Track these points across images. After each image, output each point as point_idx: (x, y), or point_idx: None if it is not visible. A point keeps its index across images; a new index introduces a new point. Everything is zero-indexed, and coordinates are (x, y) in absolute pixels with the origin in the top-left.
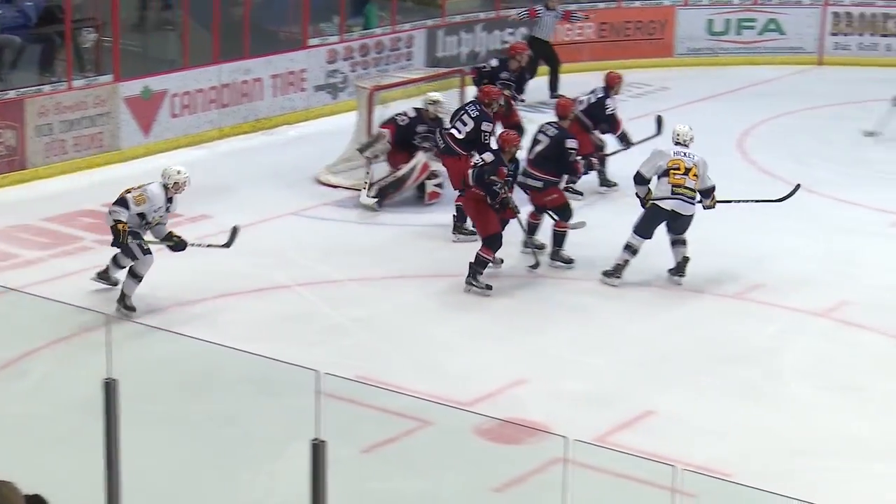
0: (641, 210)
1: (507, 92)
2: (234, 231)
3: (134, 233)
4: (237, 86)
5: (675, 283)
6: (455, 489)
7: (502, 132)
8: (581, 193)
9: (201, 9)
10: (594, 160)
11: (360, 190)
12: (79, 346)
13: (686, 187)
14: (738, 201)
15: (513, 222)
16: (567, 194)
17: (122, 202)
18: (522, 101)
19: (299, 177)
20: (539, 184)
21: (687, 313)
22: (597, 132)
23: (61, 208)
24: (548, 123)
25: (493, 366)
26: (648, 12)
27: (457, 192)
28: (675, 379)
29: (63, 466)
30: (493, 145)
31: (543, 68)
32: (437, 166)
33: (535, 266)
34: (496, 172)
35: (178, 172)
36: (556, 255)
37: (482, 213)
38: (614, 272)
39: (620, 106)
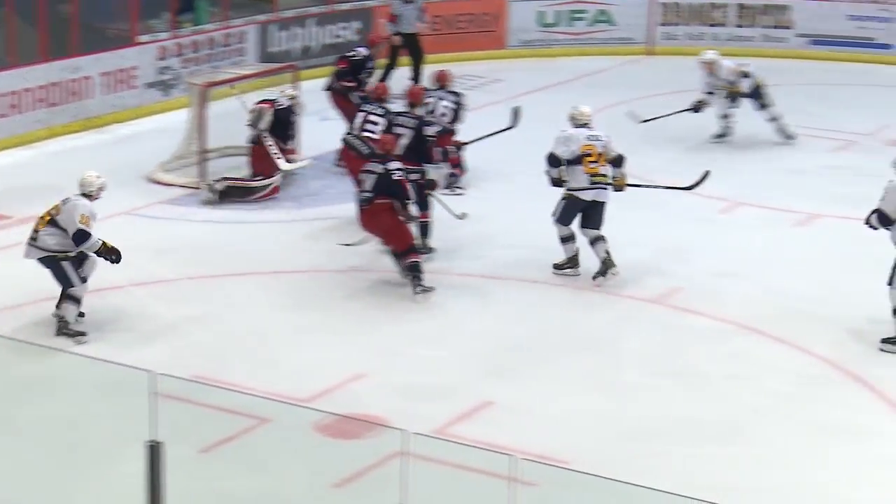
0: (558, 196)
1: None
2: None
3: (73, 258)
4: (66, 84)
5: (602, 284)
6: (296, 486)
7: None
8: (462, 188)
9: (26, 5)
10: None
11: (194, 188)
12: None
13: (601, 174)
14: (648, 186)
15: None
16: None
17: (82, 233)
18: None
19: (132, 175)
20: (416, 176)
21: (523, 304)
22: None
23: None
24: (401, 115)
25: (330, 361)
26: (480, 4)
27: None
28: (513, 369)
29: None
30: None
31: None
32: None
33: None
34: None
35: (98, 177)
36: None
37: (396, 226)
38: (570, 264)
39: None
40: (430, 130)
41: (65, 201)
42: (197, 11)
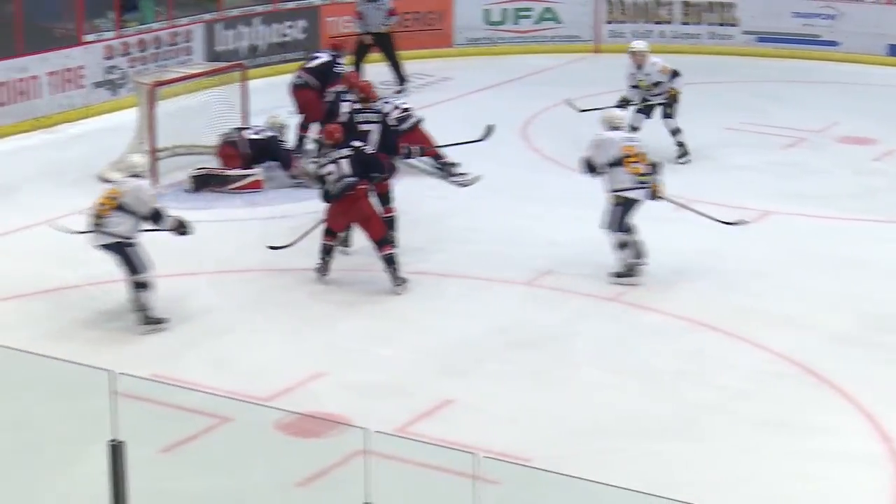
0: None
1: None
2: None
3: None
4: (13, 84)
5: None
6: (258, 485)
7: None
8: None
9: None
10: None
11: None
12: None
13: (644, 174)
14: (687, 208)
15: None
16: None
17: (157, 213)
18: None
19: (82, 175)
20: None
21: (478, 302)
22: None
23: None
24: (358, 112)
25: (288, 360)
26: (426, 2)
27: None
28: (470, 367)
29: None
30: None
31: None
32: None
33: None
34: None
35: (142, 157)
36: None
37: (374, 214)
38: (629, 273)
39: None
40: (392, 121)
41: (120, 185)
42: (142, 10)
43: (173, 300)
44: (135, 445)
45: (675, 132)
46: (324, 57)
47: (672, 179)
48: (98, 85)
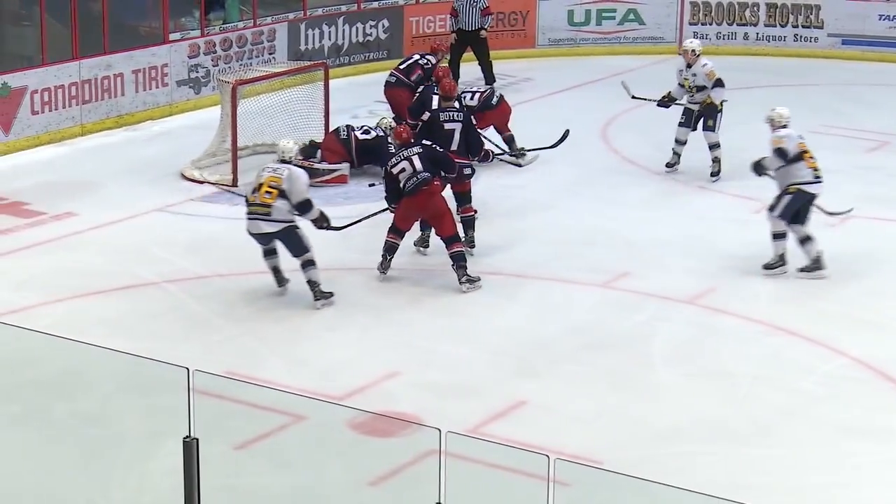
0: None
1: None
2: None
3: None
4: (98, 81)
5: (819, 277)
6: (330, 484)
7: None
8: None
9: (58, 4)
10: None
11: (225, 185)
12: None
13: (818, 168)
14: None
15: None
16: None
17: (308, 202)
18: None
19: (164, 172)
20: (468, 170)
21: (554, 302)
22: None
23: None
24: (441, 111)
25: (362, 359)
26: (510, 3)
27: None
28: (545, 368)
29: None
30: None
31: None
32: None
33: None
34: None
35: (294, 144)
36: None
37: (448, 211)
38: (781, 262)
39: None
40: (475, 120)
41: (276, 171)
42: (228, 9)
43: (250, 297)
44: (209, 442)
45: (714, 147)
46: (416, 56)
47: (756, 182)
48: (181, 83)
